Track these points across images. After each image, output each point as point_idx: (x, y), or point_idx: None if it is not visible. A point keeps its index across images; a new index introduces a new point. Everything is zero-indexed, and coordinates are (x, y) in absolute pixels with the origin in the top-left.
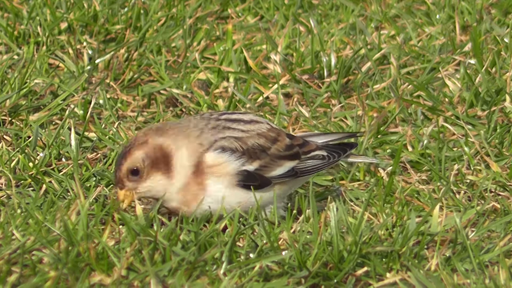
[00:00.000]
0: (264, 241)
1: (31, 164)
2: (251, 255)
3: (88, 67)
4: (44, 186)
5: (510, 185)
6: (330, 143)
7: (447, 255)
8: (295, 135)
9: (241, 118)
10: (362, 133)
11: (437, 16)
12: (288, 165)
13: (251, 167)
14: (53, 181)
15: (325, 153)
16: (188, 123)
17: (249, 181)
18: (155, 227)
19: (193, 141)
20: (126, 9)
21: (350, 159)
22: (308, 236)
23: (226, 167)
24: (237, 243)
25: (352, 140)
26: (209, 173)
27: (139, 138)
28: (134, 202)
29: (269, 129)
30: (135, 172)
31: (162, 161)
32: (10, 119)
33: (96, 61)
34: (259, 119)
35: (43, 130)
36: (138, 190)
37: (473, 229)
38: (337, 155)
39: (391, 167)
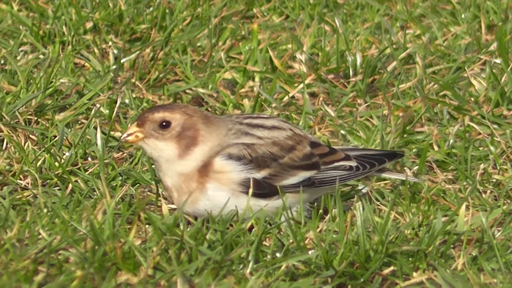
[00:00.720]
0: (291, 241)
1: (57, 164)
2: (278, 255)
3: (114, 67)
4: (70, 185)
5: None
6: (370, 154)
7: (474, 254)
8: (323, 144)
9: (263, 123)
10: (403, 153)
11: (463, 16)
12: (303, 175)
13: (259, 175)
14: (79, 181)
15: (354, 164)
16: (224, 124)
17: (256, 189)
18: (181, 227)
19: (215, 143)
20: (151, 8)
21: (385, 174)
22: (334, 236)
23: (230, 176)
24: (264, 243)
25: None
26: (212, 178)
27: (190, 109)
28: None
29: (289, 136)
30: (163, 126)
31: (185, 140)
32: (36, 118)
33: (122, 61)
34: (282, 125)
35: (69, 130)
36: (149, 143)
37: (499, 228)
38: (370, 166)
39: (417, 167)
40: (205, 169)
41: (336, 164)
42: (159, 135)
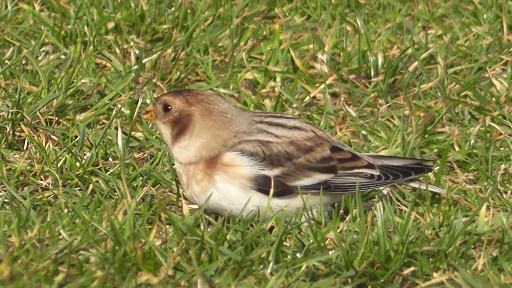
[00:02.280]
0: (311, 241)
1: (78, 164)
2: (298, 255)
3: (135, 67)
4: (91, 185)
5: None
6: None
7: (494, 254)
8: (346, 149)
9: (285, 123)
10: (431, 168)
11: (484, 16)
12: (318, 177)
13: (272, 173)
14: (100, 181)
15: (376, 173)
16: (236, 122)
17: (268, 187)
18: (201, 227)
19: (213, 139)
20: (173, 8)
21: (413, 184)
22: (355, 236)
23: (240, 170)
24: (284, 243)
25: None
26: (220, 170)
27: (196, 98)
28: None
29: (308, 138)
30: (166, 109)
31: (178, 127)
32: (57, 118)
33: (143, 61)
34: (304, 126)
35: (90, 130)
36: (157, 123)
37: None
38: (393, 177)
39: (438, 167)
40: (212, 162)
41: (356, 170)
42: (162, 117)
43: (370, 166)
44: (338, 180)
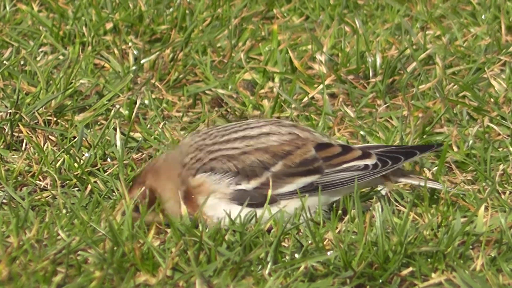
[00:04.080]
0: (309, 241)
1: (76, 164)
2: (296, 256)
3: (134, 68)
4: (89, 186)
5: None
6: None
7: (493, 255)
8: (336, 144)
9: (249, 134)
10: (439, 144)
11: (483, 17)
12: (302, 181)
13: (249, 186)
14: (98, 181)
15: (371, 162)
16: (181, 150)
17: (251, 200)
18: (200, 228)
19: (176, 177)
20: (171, 9)
21: (412, 181)
22: (353, 236)
23: (212, 186)
24: (282, 244)
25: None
26: (197, 193)
27: (141, 177)
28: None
29: (286, 141)
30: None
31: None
32: (55, 119)
33: (142, 61)
34: (276, 129)
35: (89, 130)
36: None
37: None
38: (392, 162)
39: (436, 167)
40: (187, 194)
41: (345, 165)
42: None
43: (364, 156)
44: (326, 179)
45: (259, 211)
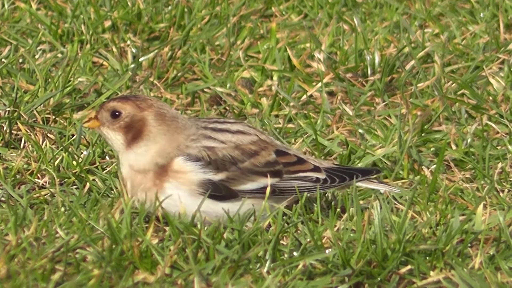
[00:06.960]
0: (308, 240)
1: (74, 163)
2: (295, 254)
3: (132, 66)
4: (87, 184)
5: None
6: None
7: (491, 253)
8: (292, 153)
9: (228, 128)
10: (380, 170)
11: (481, 15)
12: (263, 182)
13: (216, 177)
14: (96, 179)
15: (322, 176)
16: (185, 127)
17: (212, 191)
18: (198, 226)
19: (168, 144)
20: (170, 7)
21: (365, 184)
22: (351, 235)
23: (189, 176)
24: (281, 242)
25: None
26: (171, 177)
27: (146, 103)
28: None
29: (253, 141)
30: (114, 115)
31: (132, 132)
32: (54, 117)
33: (140, 60)
34: (247, 130)
35: (87, 129)
36: (103, 131)
37: None
38: (340, 180)
39: (435, 166)
40: (163, 170)
41: (301, 174)
42: (110, 124)
43: (316, 169)
44: (283, 184)
45: (223, 204)
